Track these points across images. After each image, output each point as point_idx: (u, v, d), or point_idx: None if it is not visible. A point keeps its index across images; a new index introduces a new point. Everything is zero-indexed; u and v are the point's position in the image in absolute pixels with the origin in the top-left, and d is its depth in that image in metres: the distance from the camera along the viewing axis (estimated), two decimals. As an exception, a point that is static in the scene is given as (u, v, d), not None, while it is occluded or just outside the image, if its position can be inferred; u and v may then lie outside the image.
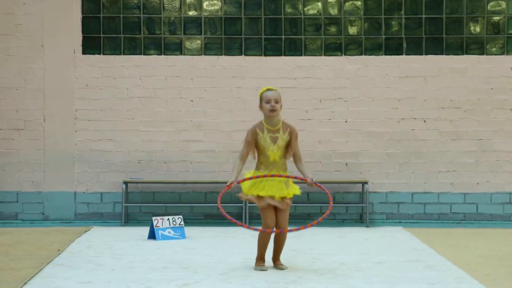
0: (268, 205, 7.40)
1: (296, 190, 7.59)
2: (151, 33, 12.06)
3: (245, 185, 7.49)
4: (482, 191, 11.99)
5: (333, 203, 11.86)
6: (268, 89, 7.50)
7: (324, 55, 12.05)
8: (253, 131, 7.48)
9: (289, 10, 12.03)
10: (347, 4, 12.06)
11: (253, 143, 7.47)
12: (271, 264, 7.67)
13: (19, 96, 11.95)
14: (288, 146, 7.48)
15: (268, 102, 7.40)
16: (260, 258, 7.61)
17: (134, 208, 12.00)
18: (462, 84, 11.99)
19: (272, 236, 7.57)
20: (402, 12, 12.04)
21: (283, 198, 7.45)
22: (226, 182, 11.97)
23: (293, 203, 11.73)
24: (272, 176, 7.35)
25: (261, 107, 7.50)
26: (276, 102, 7.40)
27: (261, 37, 12.03)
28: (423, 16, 12.04)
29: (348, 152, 12.01)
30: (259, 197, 7.43)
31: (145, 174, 11.96)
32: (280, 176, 7.37)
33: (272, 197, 7.40)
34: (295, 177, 7.54)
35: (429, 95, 12.00)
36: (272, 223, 7.44)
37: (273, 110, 7.39)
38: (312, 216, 12.03)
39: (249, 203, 11.60)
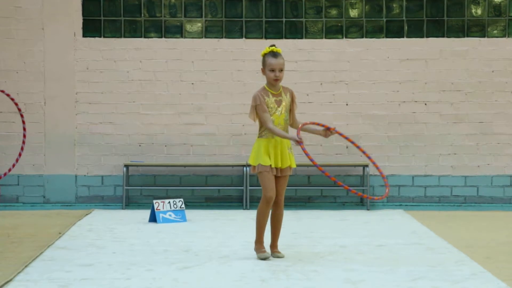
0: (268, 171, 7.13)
1: (294, 161, 7.30)
2: (151, 16, 12.02)
3: (253, 158, 7.17)
4: (483, 174, 11.99)
5: (333, 186, 11.92)
6: (273, 53, 7.10)
7: (325, 38, 12.01)
8: (261, 95, 7.10)
9: (290, -8, 11.99)
10: (348, -14, 12.01)
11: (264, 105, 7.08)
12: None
13: (19, 79, 11.92)
14: (290, 109, 7.23)
15: (272, 70, 7.06)
16: (259, 241, 7.29)
17: (135, 191, 12.00)
18: (463, 67, 11.96)
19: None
20: (403, -6, 12.00)
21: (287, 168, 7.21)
22: (227, 166, 12.00)
23: (294, 186, 11.81)
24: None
25: (263, 71, 7.16)
26: (281, 70, 7.08)
27: (261, 20, 11.99)
28: (424, -2, 12.00)
29: (348, 135, 11.92)
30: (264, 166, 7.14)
31: (145, 157, 11.95)
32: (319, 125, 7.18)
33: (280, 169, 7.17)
34: (323, 125, 7.20)
35: (430, 78, 11.97)
36: (273, 192, 7.12)
37: (276, 80, 7.09)
38: (313, 199, 12.03)
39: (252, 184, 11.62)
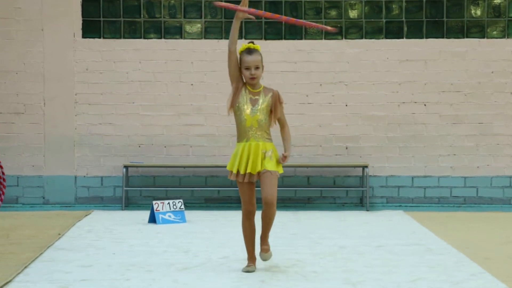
0: (243, 181, 6.61)
1: (276, 166, 6.59)
2: (151, 16, 12.03)
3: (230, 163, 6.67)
4: (482, 175, 11.99)
5: (333, 187, 11.94)
6: (248, 50, 6.54)
7: (325, 38, 12.01)
8: (241, 84, 6.60)
9: (289, -7, 12.00)
10: (347, -13, 12.02)
11: (238, 76, 6.57)
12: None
13: (19, 80, 11.93)
14: (271, 111, 6.58)
15: (247, 68, 6.50)
16: (250, 257, 6.85)
17: (134, 192, 12.01)
18: (462, 68, 11.96)
19: (260, 213, 6.72)
20: (403, -5, 12.02)
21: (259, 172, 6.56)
22: (226, 167, 12.00)
23: (293, 187, 11.81)
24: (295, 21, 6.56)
25: (240, 70, 6.59)
26: (257, 68, 6.50)
27: (261, 20, 11.99)
28: (424, -1, 12.01)
29: (348, 136, 12.00)
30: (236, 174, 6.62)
31: (145, 158, 11.96)
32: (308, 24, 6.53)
33: (249, 174, 6.56)
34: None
35: (429, 78, 11.98)
36: (250, 205, 6.66)
37: (253, 79, 6.52)
38: (313, 200, 12.04)
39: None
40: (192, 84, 12.01)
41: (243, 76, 6.58)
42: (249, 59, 6.50)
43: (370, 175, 11.85)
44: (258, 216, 6.72)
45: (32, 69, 11.93)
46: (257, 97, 6.57)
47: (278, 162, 6.63)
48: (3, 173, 9.47)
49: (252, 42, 6.63)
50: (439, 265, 7.12)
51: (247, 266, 6.82)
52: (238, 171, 6.61)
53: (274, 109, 6.60)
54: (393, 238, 8.78)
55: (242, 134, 6.60)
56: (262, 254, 6.77)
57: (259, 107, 6.55)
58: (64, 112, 11.93)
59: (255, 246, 6.88)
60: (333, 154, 12.00)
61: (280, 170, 6.64)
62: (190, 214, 10.65)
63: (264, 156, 6.56)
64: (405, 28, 12.02)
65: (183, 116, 12.00)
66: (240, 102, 6.56)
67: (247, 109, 6.55)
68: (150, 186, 12.00)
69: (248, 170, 6.55)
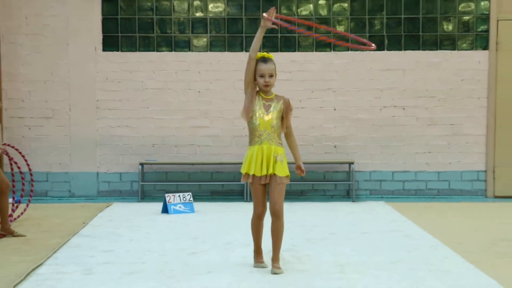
0: (255, 183, 6.20)
1: (285, 171, 6.24)
2: (163, 32, 12.05)
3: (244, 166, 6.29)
4: (454, 170, 12.02)
5: (323, 181, 11.97)
6: (263, 59, 6.24)
7: (316, 51, 12.05)
8: (255, 92, 6.32)
9: (284, 11, 12.02)
10: (335, 5, 12.04)
11: (254, 87, 6.30)
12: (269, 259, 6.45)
13: (47, 88, 11.96)
14: (282, 118, 6.27)
15: (262, 76, 6.21)
16: (257, 252, 6.42)
17: (149, 186, 12.03)
18: (436, 76, 12.00)
19: (269, 226, 6.26)
20: (384, 12, 12.03)
21: (273, 175, 6.18)
22: (229, 164, 11.98)
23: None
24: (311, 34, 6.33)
25: (255, 77, 6.29)
26: (271, 76, 6.20)
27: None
28: (402, 16, 12.03)
29: (336, 136, 12.03)
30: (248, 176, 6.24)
31: (158, 156, 11.99)
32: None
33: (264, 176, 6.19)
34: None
35: (407, 85, 12.01)
36: (262, 207, 6.23)
37: (267, 86, 6.23)
38: (305, 192, 12.07)
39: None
40: (199, 91, 12.04)
41: (257, 83, 6.27)
42: (264, 67, 6.20)
43: (356, 171, 11.88)
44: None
45: (59, 79, 11.96)
46: (269, 103, 6.26)
47: (287, 167, 6.27)
48: (30, 169, 9.52)
49: (267, 52, 6.35)
50: (416, 249, 7.15)
51: (259, 262, 6.38)
52: (253, 174, 6.19)
53: (286, 115, 6.29)
54: (376, 226, 8.81)
55: (255, 138, 6.25)
56: (273, 269, 6.22)
57: (272, 112, 6.24)
58: (87, 116, 11.96)
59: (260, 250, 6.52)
60: (323, 152, 12.03)
61: (289, 175, 6.26)
62: (198, 205, 10.68)
63: (275, 160, 6.20)
64: (386, 42, 12.05)
65: (191, 119, 12.03)
66: (254, 107, 6.26)
67: (261, 113, 6.24)
68: (163, 181, 12.03)
69: (264, 173, 6.16)
